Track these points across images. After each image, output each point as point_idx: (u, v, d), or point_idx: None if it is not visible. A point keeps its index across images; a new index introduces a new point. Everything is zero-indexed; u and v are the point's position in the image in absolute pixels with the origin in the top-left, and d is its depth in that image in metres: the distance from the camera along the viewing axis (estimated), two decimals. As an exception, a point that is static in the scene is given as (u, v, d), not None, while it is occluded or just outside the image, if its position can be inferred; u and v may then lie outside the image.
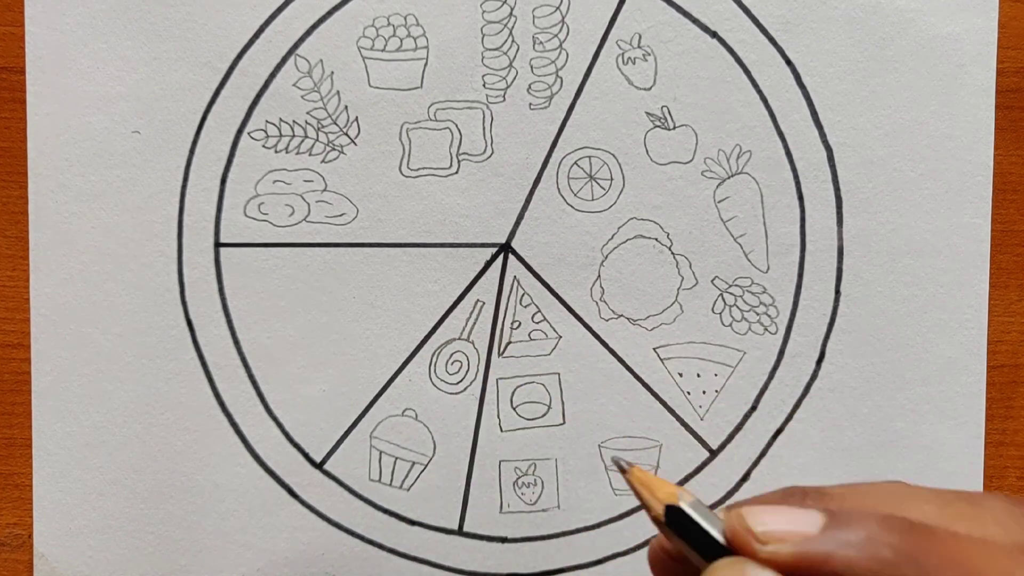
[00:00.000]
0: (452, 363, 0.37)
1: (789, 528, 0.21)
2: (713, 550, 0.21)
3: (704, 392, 0.37)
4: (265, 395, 0.37)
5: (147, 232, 0.37)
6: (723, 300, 0.37)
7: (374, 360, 0.37)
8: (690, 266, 0.37)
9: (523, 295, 0.37)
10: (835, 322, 0.37)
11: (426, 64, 0.37)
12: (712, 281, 0.37)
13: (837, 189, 0.37)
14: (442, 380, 0.37)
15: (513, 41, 0.37)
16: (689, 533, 0.22)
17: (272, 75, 0.37)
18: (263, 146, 0.37)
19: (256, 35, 0.37)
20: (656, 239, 0.37)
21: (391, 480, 0.37)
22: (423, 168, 0.37)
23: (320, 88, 0.37)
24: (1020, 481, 0.38)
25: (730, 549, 0.21)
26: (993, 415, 0.38)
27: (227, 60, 0.37)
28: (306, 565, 0.37)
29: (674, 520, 0.22)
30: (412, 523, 0.37)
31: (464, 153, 0.37)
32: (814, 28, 0.37)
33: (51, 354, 0.37)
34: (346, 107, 0.37)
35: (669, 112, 0.37)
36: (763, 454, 0.37)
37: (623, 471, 0.24)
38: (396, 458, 0.37)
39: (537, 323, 0.37)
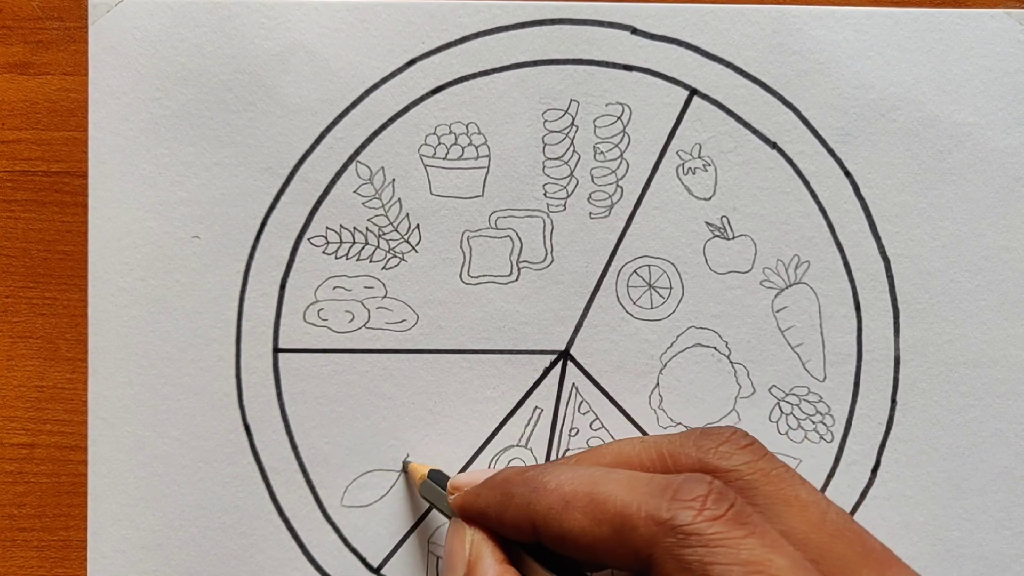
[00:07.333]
0: (510, 470, 0.37)
1: (465, 481, 0.32)
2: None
3: (760, 499, 0.37)
4: (323, 500, 0.37)
5: (206, 337, 0.37)
6: (780, 408, 0.37)
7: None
8: (748, 375, 0.37)
9: (581, 402, 0.37)
10: (891, 431, 0.37)
11: (487, 173, 0.37)
12: (769, 390, 0.37)
13: (894, 299, 0.37)
14: (500, 486, 0.37)
15: (574, 151, 0.37)
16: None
17: (333, 181, 0.37)
18: (323, 252, 0.37)
19: (317, 141, 0.37)
20: (714, 348, 0.37)
21: (447, 585, 0.37)
22: (483, 275, 0.37)
23: (381, 195, 0.37)
24: (1072, 588, 0.38)
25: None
26: (1046, 522, 0.38)
27: (288, 166, 0.37)
28: (362, 670, 0.37)
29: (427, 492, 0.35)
30: (468, 628, 0.37)
31: (524, 261, 0.37)
32: (872, 140, 0.37)
33: (108, 457, 0.37)
34: (407, 214, 0.37)
35: (728, 222, 0.37)
36: (819, 561, 0.37)
37: (404, 467, 0.37)
38: (453, 563, 0.37)
39: (595, 430, 0.37)
